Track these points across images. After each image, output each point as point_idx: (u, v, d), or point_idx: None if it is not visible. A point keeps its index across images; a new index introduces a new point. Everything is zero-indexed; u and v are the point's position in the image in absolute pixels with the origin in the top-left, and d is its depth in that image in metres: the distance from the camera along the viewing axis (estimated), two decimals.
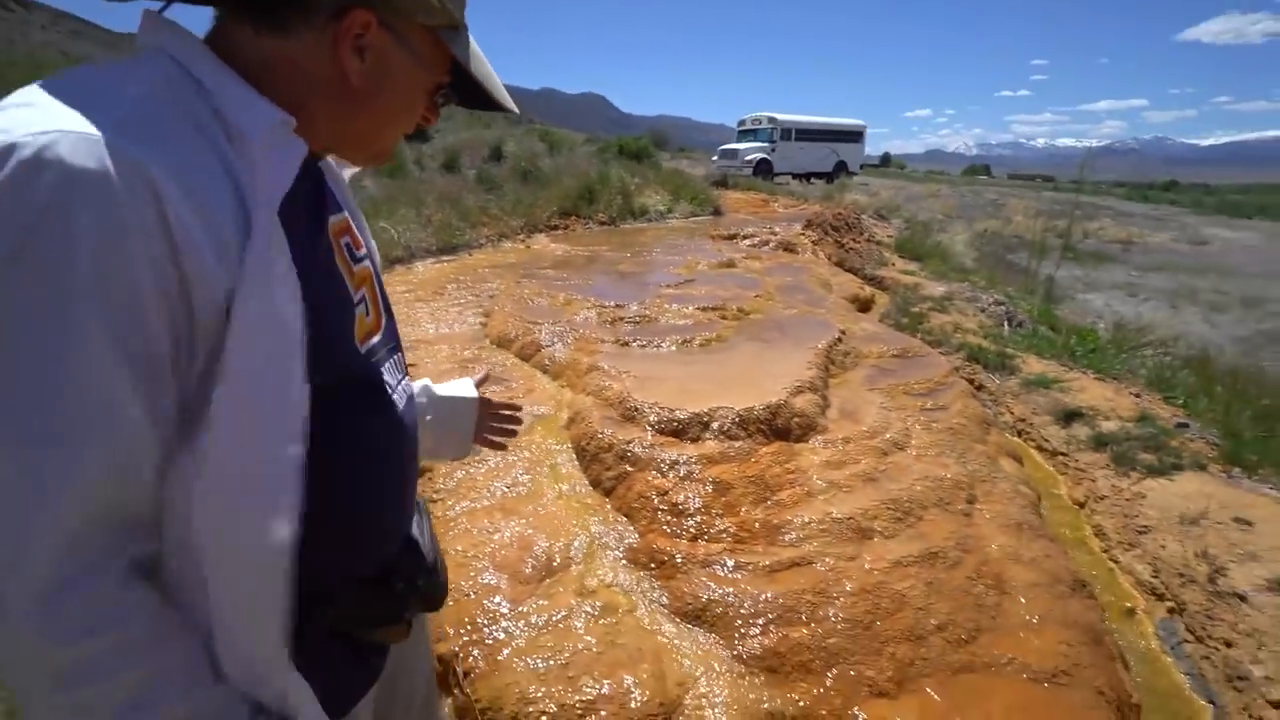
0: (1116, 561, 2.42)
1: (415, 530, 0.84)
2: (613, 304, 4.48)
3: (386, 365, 0.77)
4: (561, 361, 3.55)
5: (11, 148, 0.43)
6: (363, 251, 0.75)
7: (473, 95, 0.72)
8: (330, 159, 0.77)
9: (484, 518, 2.32)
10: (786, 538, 2.14)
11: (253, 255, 0.51)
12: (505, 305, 4.55)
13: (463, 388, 1.08)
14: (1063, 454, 3.18)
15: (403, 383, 0.81)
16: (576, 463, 2.66)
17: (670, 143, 28.42)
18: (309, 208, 0.65)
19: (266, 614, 0.55)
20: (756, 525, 2.18)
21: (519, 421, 1.17)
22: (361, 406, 0.69)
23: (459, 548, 2.17)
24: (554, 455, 2.71)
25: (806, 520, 2.19)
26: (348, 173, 0.82)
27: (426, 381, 1.04)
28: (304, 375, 0.55)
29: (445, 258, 7.08)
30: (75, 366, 0.45)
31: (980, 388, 4.09)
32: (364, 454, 0.69)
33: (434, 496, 2.48)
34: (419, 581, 0.79)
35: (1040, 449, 3.35)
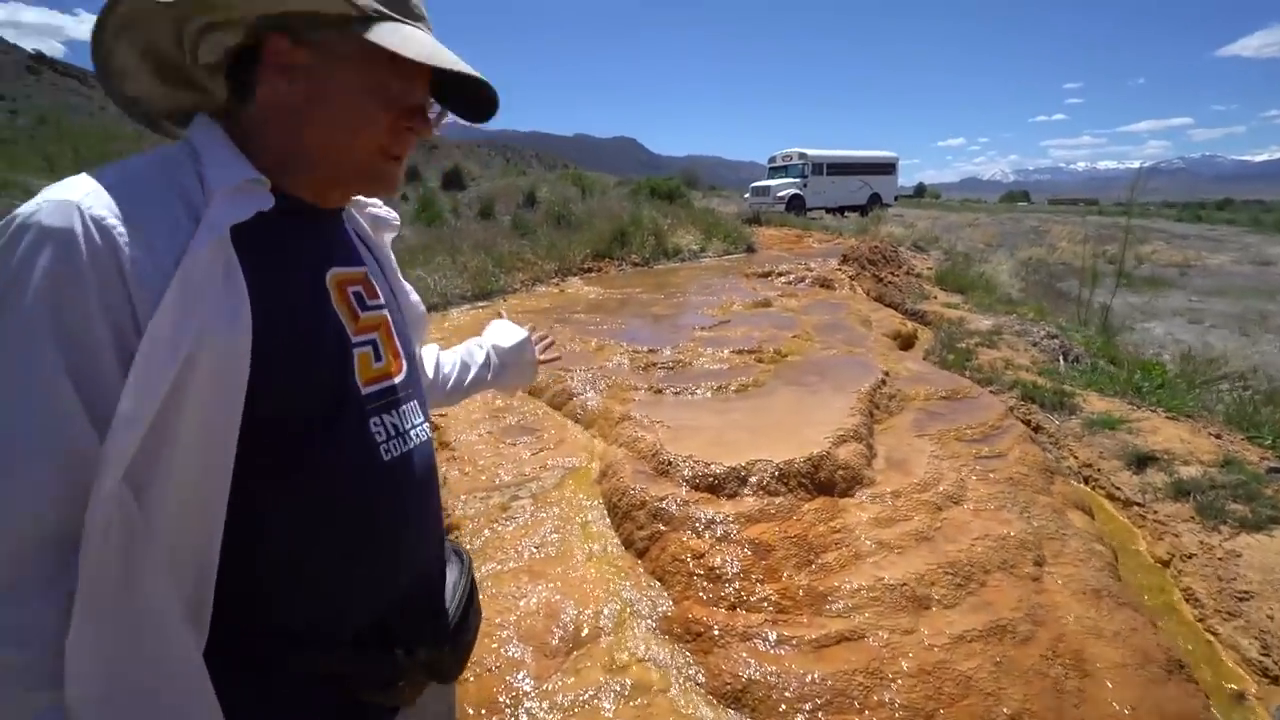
0: (1215, 634, 2.15)
1: (431, 590, 0.83)
2: (646, 349, 4.39)
3: (404, 408, 0.80)
4: (593, 410, 3.45)
5: (13, 219, 0.55)
6: (376, 302, 0.79)
7: (457, 94, 0.76)
8: (363, 223, 0.88)
9: (511, 581, 2.20)
10: (834, 607, 1.96)
11: (181, 271, 0.56)
12: None
13: (510, 330, 1.26)
14: (1138, 504, 2.91)
15: (418, 428, 0.82)
16: (608, 519, 2.54)
17: (701, 182, 28.72)
18: (303, 258, 0.71)
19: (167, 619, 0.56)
20: (800, 592, 2.01)
21: (557, 352, 1.36)
22: (337, 446, 0.70)
23: (483, 615, 2.05)
24: (585, 511, 2.60)
25: (855, 587, 2.01)
26: (387, 235, 0.92)
27: (478, 341, 1.22)
28: (239, 400, 0.59)
29: (480, 304, 7.14)
30: (26, 397, 0.52)
31: (1038, 429, 3.82)
32: (338, 496, 0.69)
33: None
34: (419, 650, 0.76)
35: (1111, 498, 3.07)
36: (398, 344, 0.82)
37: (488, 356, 1.20)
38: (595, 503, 2.64)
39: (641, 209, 11.90)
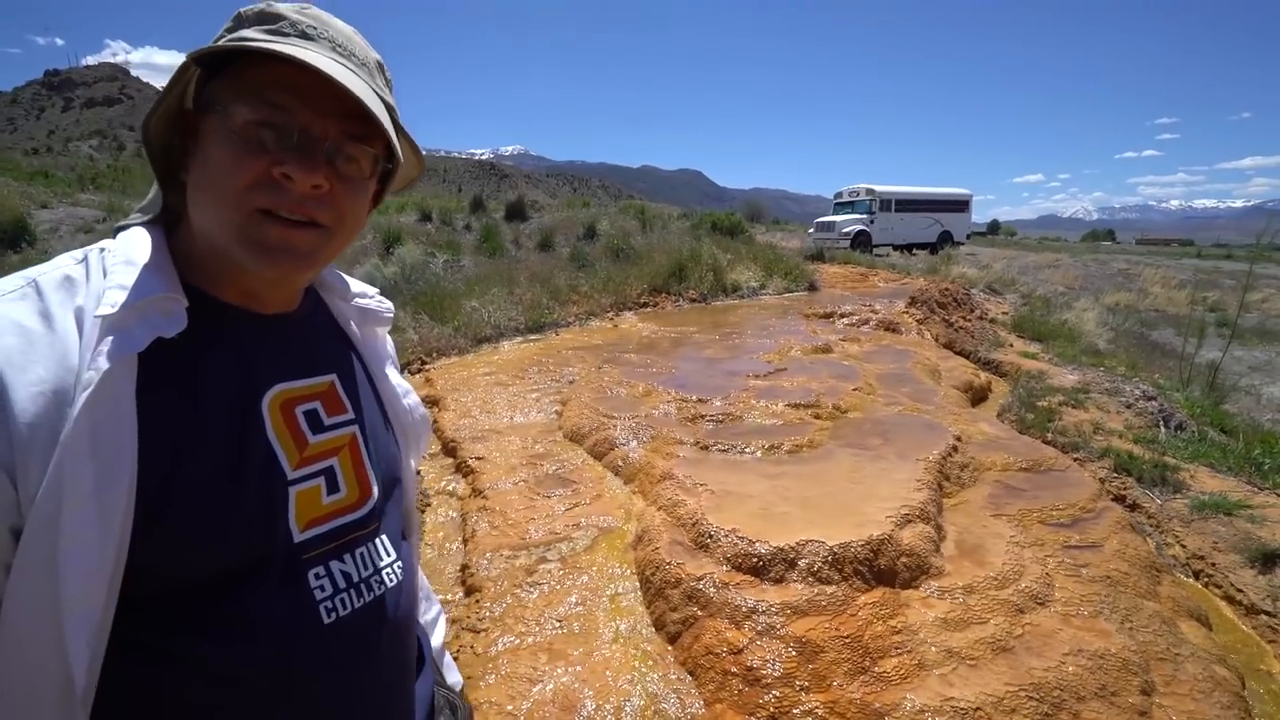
0: None
1: None
2: (695, 398, 4.17)
3: (368, 547, 0.68)
4: (635, 463, 3.26)
5: None
6: (342, 417, 0.69)
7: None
8: (351, 322, 0.77)
9: (527, 659, 2.02)
10: None
11: (56, 460, 0.48)
12: (582, 394, 4.37)
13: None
14: (1267, 613, 2.46)
15: (388, 568, 0.70)
16: (639, 593, 2.32)
17: (765, 215, 28.46)
18: (218, 382, 0.60)
19: None
20: (852, 709, 1.73)
21: None
22: (254, 610, 0.58)
23: (493, 699, 1.87)
24: (616, 581, 2.39)
25: (918, 706, 1.72)
26: (379, 330, 0.82)
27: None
28: (101, 583, 0.49)
29: (532, 337, 7.11)
30: None
31: (1134, 507, 3.37)
32: (248, 675, 0.57)
33: (478, 624, 2.22)
34: None
35: (1231, 601, 2.63)
36: (367, 466, 0.71)
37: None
38: (628, 572, 2.43)
39: (701, 243, 11.78)
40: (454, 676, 0.93)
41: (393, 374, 0.82)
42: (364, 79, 0.61)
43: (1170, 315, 12.42)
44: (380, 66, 0.66)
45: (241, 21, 0.61)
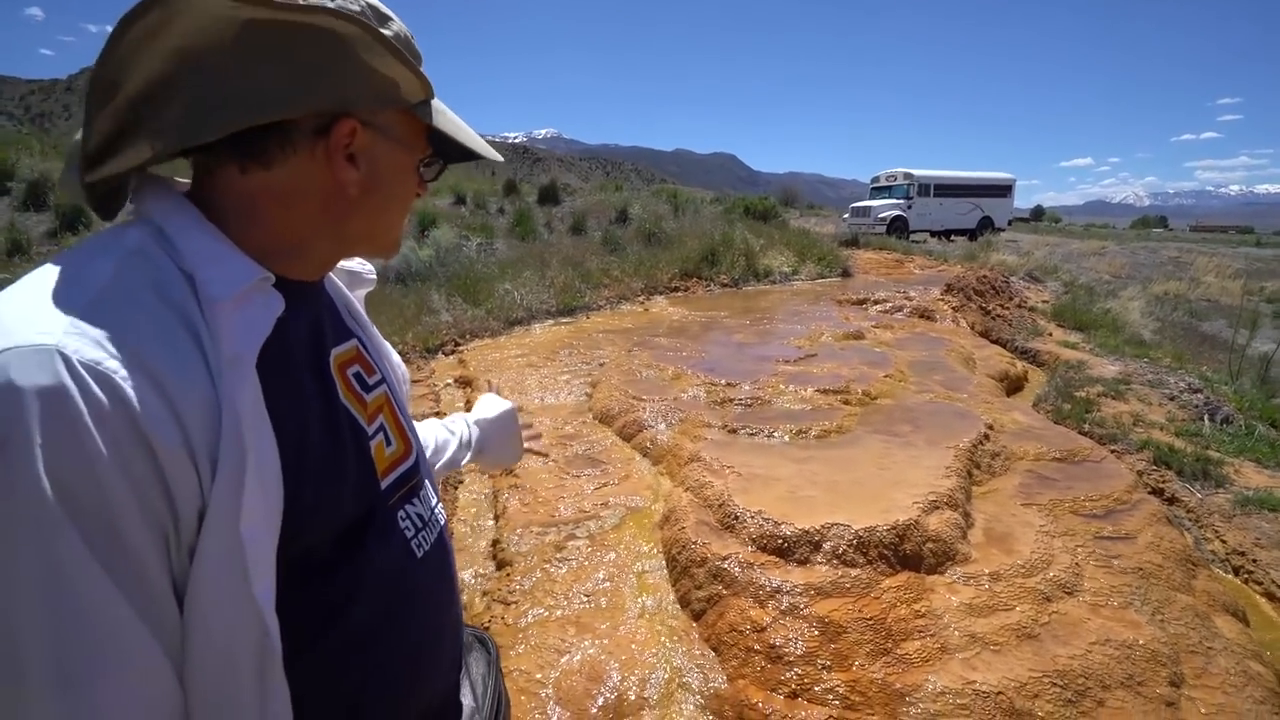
0: None
1: (460, 694, 0.78)
2: (724, 381, 4.19)
3: (423, 493, 0.74)
4: (663, 445, 3.30)
5: None
6: (375, 378, 0.72)
7: (452, 152, 0.69)
8: (338, 282, 0.76)
9: (556, 632, 2.09)
10: (912, 711, 1.70)
11: (224, 444, 0.48)
12: (612, 377, 4.42)
13: (497, 402, 1.18)
14: None
15: (435, 510, 0.76)
16: (665, 571, 2.37)
17: (800, 200, 28.03)
18: (303, 353, 0.62)
19: None
20: (873, 688, 1.76)
21: (545, 445, 1.31)
22: (375, 558, 0.63)
23: (523, 668, 1.95)
24: (642, 559, 2.45)
25: (939, 688, 1.74)
26: (361, 292, 0.81)
27: (464, 417, 1.12)
28: (271, 558, 0.51)
29: (563, 320, 7.19)
30: (72, 603, 0.43)
31: (1173, 501, 3.30)
32: (381, 613, 0.63)
33: (508, 597, 2.30)
34: None
35: (1271, 598, 2.57)
36: (401, 420, 0.75)
37: (468, 432, 1.10)
38: (654, 550, 2.49)
39: (733, 228, 11.69)
40: None
41: (377, 333, 0.83)
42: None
43: (1223, 306, 11.92)
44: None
45: (399, 41, 0.59)
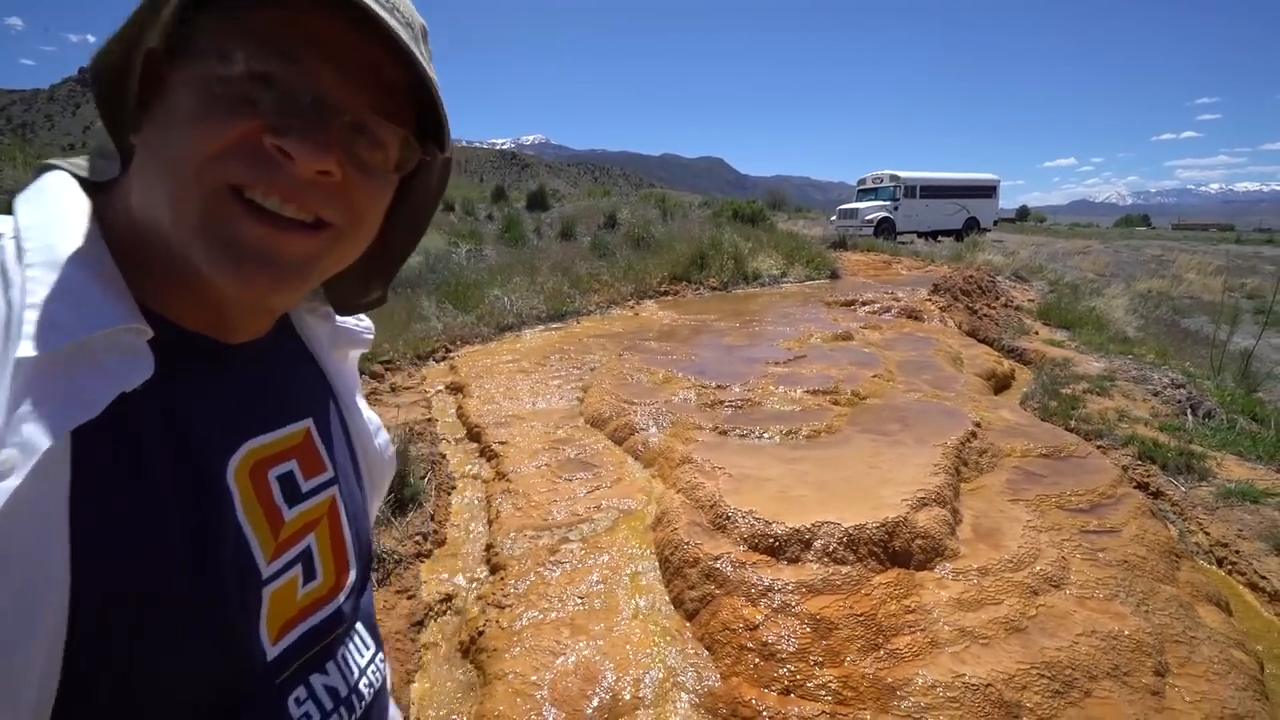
0: None
1: None
2: (714, 384, 4.22)
3: (349, 649, 0.56)
4: (655, 448, 3.32)
5: None
6: (320, 478, 0.54)
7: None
8: (320, 336, 0.60)
9: (550, 634, 2.09)
10: (903, 705, 1.72)
11: None
12: (603, 381, 4.44)
13: None
14: None
15: (369, 672, 0.57)
16: (659, 572, 2.39)
17: (787, 203, 28.20)
18: (188, 445, 0.44)
19: None
20: (864, 683, 1.78)
21: None
22: None
23: (518, 670, 1.95)
24: (635, 561, 2.46)
25: (930, 682, 1.76)
26: (354, 354, 0.66)
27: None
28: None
29: (554, 325, 7.20)
30: None
31: (1157, 495, 3.35)
32: None
33: (502, 600, 2.31)
34: None
35: (1255, 589, 2.61)
36: (346, 539, 0.57)
37: None
38: (647, 552, 2.50)
39: (722, 232, 11.75)
40: None
41: (363, 406, 0.66)
42: (409, 43, 0.43)
43: (1205, 302, 12.10)
44: (425, 34, 0.49)
45: None
